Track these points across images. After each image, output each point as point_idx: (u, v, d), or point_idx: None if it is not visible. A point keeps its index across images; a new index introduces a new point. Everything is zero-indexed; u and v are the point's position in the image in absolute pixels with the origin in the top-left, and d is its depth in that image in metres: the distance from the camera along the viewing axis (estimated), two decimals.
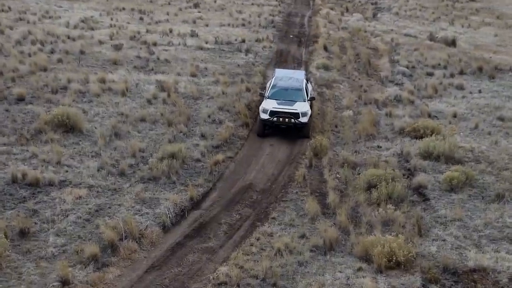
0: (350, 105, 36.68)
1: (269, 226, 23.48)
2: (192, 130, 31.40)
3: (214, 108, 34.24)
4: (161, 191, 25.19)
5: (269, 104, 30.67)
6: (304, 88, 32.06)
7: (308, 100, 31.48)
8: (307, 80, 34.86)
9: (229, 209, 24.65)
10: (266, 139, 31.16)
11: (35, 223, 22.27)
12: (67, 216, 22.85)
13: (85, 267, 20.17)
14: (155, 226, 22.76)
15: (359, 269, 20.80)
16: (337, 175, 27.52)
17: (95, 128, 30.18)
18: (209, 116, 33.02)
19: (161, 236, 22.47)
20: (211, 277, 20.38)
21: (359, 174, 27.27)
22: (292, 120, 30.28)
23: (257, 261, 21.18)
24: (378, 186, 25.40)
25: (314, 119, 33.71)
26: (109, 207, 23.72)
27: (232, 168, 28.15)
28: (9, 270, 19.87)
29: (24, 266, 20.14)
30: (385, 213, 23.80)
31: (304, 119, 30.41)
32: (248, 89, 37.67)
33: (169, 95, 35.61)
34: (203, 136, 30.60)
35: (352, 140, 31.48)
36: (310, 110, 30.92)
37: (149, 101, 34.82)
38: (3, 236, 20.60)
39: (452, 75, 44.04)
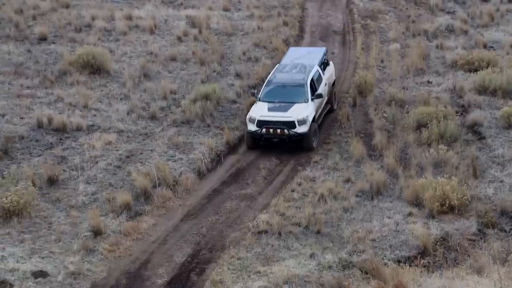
0: (397, 37, 36.19)
1: (311, 171, 23.56)
2: (226, 69, 31.37)
3: (249, 45, 34.10)
4: (195, 135, 25.36)
5: (257, 111, 24.66)
6: (309, 83, 25.45)
7: (312, 99, 25.11)
8: (325, 62, 27.94)
9: (268, 153, 24.75)
10: None
11: (64, 170, 22.68)
12: (97, 163, 23.20)
13: (118, 216, 20.55)
14: (189, 172, 23.01)
15: (409, 214, 20.84)
16: (384, 114, 27.36)
17: (123, 68, 30.34)
18: (244, 54, 32.91)
19: (196, 183, 22.73)
20: (250, 225, 20.62)
21: (407, 112, 27.07)
22: (286, 131, 24.23)
23: (299, 207, 21.34)
24: (428, 125, 25.21)
25: (356, 57, 33.32)
26: (141, 153, 24.00)
27: None
28: (38, 219, 20.36)
29: (54, 215, 20.60)
30: (436, 154, 23.68)
31: (302, 129, 24.24)
32: (285, 23, 37.36)
33: (200, 32, 35.51)
34: (238, 75, 30.57)
35: (400, 75, 31.15)
36: (313, 113, 24.81)
37: (179, 39, 34.79)
38: (31, 184, 21.05)
39: (510, 0, 42.98)
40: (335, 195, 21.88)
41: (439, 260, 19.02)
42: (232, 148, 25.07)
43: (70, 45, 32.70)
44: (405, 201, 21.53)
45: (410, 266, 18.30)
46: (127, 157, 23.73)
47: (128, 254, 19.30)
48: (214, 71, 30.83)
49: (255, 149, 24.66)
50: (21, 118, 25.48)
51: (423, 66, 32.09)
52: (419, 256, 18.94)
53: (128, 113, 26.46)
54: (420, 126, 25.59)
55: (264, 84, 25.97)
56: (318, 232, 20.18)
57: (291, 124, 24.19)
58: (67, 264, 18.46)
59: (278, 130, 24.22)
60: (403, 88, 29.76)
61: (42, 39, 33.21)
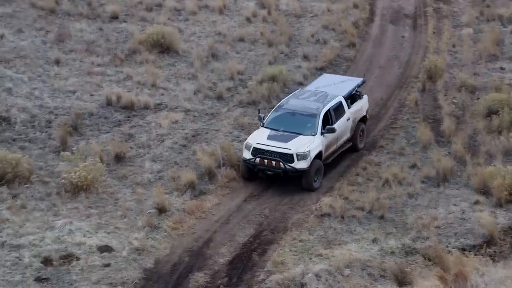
0: (470, 22, 35.45)
1: (376, 155, 23.43)
2: (294, 50, 31.30)
3: (318, 27, 33.88)
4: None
5: (256, 137, 21.90)
6: (323, 114, 22.32)
7: (322, 133, 22.00)
8: (357, 94, 24.45)
9: None
10: (376, 63, 30.69)
11: (131, 147, 23.10)
12: (163, 141, 23.55)
13: (182, 195, 20.85)
14: None
15: (476, 202, 20.55)
16: (454, 100, 26.95)
17: (191, 48, 30.58)
18: (312, 36, 32.75)
19: None
20: (313, 208, 20.68)
21: (478, 98, 26.62)
22: (282, 164, 21.41)
23: (363, 192, 21.28)
24: (500, 112, 24.74)
25: (427, 42, 32.84)
26: (206, 133, 24.25)
27: None
28: (105, 195, 20.82)
29: (120, 192, 21.03)
30: (507, 142, 23.25)
31: (301, 164, 21.29)
32: (355, 6, 36.97)
33: (269, 13, 35.46)
34: (305, 57, 30.47)
35: (472, 61, 30.55)
36: (318, 149, 21.76)
37: (248, 19, 34.80)
38: (99, 160, 21.51)
39: None
40: (400, 180, 21.73)
41: (505, 250, 18.74)
42: None
43: (140, 24, 33.08)
44: (472, 188, 21.23)
45: (475, 255, 18.08)
46: (193, 136, 24.00)
47: (191, 232, 19.59)
48: (282, 53, 30.80)
49: (251, 181, 21.87)
50: (91, 95, 26.01)
51: (496, 52, 31.38)
52: (484, 245, 18.70)
53: (195, 93, 26.72)
54: (490, 113, 25.14)
55: (273, 109, 23.18)
56: (382, 217, 20.09)
57: (288, 157, 21.28)
58: (132, 240, 18.86)
59: (273, 162, 21.34)
60: (475, 74, 29.21)
61: (114, 17, 33.68)
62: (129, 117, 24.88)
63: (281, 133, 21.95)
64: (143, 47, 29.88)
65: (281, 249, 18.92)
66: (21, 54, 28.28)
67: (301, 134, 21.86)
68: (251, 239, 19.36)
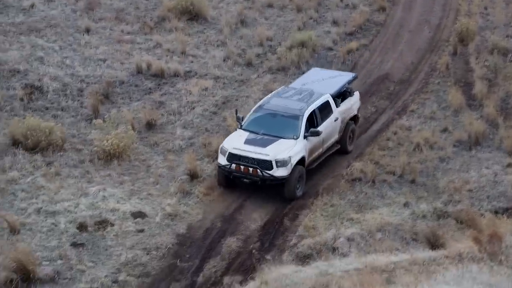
0: None
1: (407, 120, 23.34)
2: (323, 15, 31.11)
3: None
4: (291, 82, 25.35)
5: (232, 141, 19.84)
6: (307, 115, 20.16)
7: (306, 137, 19.87)
8: (348, 91, 22.25)
9: (364, 101, 24.54)
10: (406, 27, 30.40)
11: (162, 115, 23.25)
12: (194, 108, 23.67)
13: (213, 161, 20.97)
14: None
15: (509, 165, 20.44)
16: (485, 63, 26.67)
17: (220, 15, 30.53)
18: (341, 0, 32.50)
19: None
20: (344, 172, 20.71)
21: (510, 61, 26.31)
22: (259, 171, 19.35)
23: (394, 156, 21.26)
24: None
25: (458, 4, 32.39)
26: (236, 99, 24.31)
27: (366, 57, 27.85)
28: (137, 162, 21.04)
29: (152, 159, 21.24)
30: None
31: (281, 172, 19.30)
32: None
33: None
34: (335, 22, 30.28)
35: (504, 23, 30.13)
36: (300, 154, 19.67)
37: None
38: (130, 128, 21.69)
39: None
40: (431, 144, 21.66)
41: None
42: None
43: None
44: (504, 151, 21.11)
45: (508, 217, 18.03)
46: (223, 103, 24.09)
47: (223, 199, 19.74)
48: (311, 18, 30.62)
49: (229, 188, 19.94)
50: (121, 63, 26.14)
51: None
52: None
53: (224, 60, 26.73)
54: None
55: (253, 109, 20.96)
56: (413, 181, 20.08)
57: (266, 164, 19.26)
58: (164, 206, 19.08)
59: (250, 169, 19.30)
60: (507, 36, 28.82)
61: None
62: (159, 84, 25.01)
63: (260, 136, 19.84)
64: (172, 14, 29.88)
65: (312, 214, 19.03)
66: (52, 23, 28.45)
67: (282, 138, 19.74)
68: (282, 204, 19.47)
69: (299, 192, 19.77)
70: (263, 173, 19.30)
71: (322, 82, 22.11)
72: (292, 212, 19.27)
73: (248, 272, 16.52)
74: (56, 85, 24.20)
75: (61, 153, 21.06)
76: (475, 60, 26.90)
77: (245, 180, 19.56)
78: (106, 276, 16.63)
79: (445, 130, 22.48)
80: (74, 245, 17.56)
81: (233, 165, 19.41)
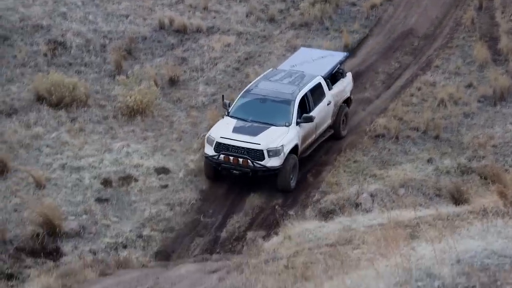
0: None
1: (431, 75, 23.11)
2: None
3: None
4: (313, 38, 25.22)
5: (219, 130, 18.30)
6: (299, 99, 18.71)
7: (298, 123, 18.43)
8: (340, 72, 20.73)
9: (388, 57, 24.39)
10: None
11: (184, 71, 23.21)
12: (216, 65, 23.59)
13: None
14: None
15: None
16: (511, 18, 26.24)
17: None
18: None
19: None
20: (367, 129, 20.61)
21: None
22: (249, 162, 17.85)
23: (418, 112, 21.11)
24: None
25: None
26: (259, 55, 24.17)
27: (390, 12, 27.48)
28: (160, 118, 21.08)
29: (175, 115, 21.27)
30: None
31: (273, 162, 17.84)
32: None
33: None
34: None
35: None
36: (293, 142, 18.23)
37: None
38: (153, 84, 21.68)
39: None
40: (455, 100, 21.47)
41: None
42: (350, 51, 24.80)
43: None
44: None
45: None
46: (246, 59, 23.97)
47: None
48: None
49: (216, 180, 18.53)
50: (144, 19, 26.01)
51: None
52: None
53: (247, 15, 26.52)
54: None
55: (240, 94, 19.35)
56: (437, 137, 19.96)
57: (257, 154, 17.79)
58: (188, 162, 19.14)
59: (240, 160, 17.79)
60: None
61: None
62: (182, 40, 24.90)
63: (249, 124, 18.33)
64: None
65: (335, 170, 19.00)
66: None
67: (273, 125, 18.25)
68: (305, 161, 19.44)
69: (292, 183, 18.26)
70: (254, 163, 17.72)
71: (312, 63, 20.47)
72: (315, 169, 19.26)
73: (271, 227, 16.60)
74: (79, 41, 24.17)
75: (85, 109, 21.13)
76: (500, 14, 26.45)
77: (234, 171, 17.95)
78: (130, 230, 16.81)
79: (469, 85, 22.25)
80: (99, 200, 17.72)
81: (221, 156, 17.86)
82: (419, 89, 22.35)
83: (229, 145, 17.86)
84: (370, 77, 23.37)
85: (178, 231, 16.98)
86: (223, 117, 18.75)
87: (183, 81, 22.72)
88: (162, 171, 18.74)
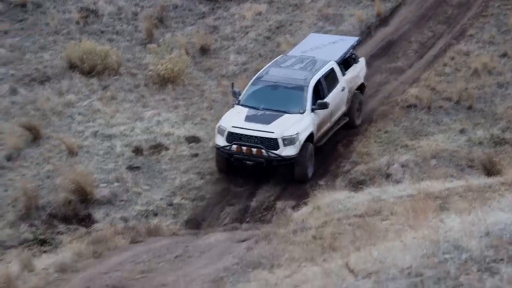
0: None
1: (465, 44, 22.81)
2: None
3: None
4: (345, 7, 24.98)
5: (230, 119, 17.63)
6: (313, 85, 18.02)
7: (313, 110, 17.74)
8: (352, 57, 20.02)
9: (420, 26, 24.11)
10: None
11: (215, 40, 23.18)
12: (247, 33, 23.52)
13: None
14: None
15: None
16: None
17: None
18: None
19: None
20: (399, 99, 20.48)
21: None
22: (263, 151, 17.15)
23: (451, 82, 20.90)
24: None
25: None
26: (290, 24, 24.03)
27: None
28: (191, 87, 21.14)
29: (206, 84, 21.31)
30: None
31: (288, 151, 17.17)
32: None
33: None
34: None
35: None
36: (309, 130, 17.55)
37: None
38: (184, 52, 21.71)
39: None
40: (489, 70, 21.20)
41: None
42: (383, 20, 24.57)
43: None
44: None
45: None
46: (277, 28, 23.86)
47: None
48: None
49: (229, 173, 17.87)
50: None
51: None
52: None
53: None
54: None
55: (251, 81, 18.62)
56: (470, 107, 19.78)
57: (271, 143, 17.09)
58: None
59: (254, 150, 17.09)
60: None
61: None
62: (213, 9, 24.82)
63: (261, 112, 17.64)
64: None
65: (366, 140, 18.94)
66: None
67: (286, 113, 17.58)
68: (336, 131, 19.38)
69: (310, 172, 17.64)
70: (269, 153, 17.04)
71: (323, 48, 19.72)
72: (346, 139, 19.21)
73: (301, 197, 16.62)
74: (111, 9, 24.23)
75: (117, 77, 21.25)
76: None
77: (248, 162, 17.31)
78: (161, 199, 16.98)
79: (504, 55, 21.94)
80: (130, 168, 17.88)
81: (234, 146, 17.15)
82: (452, 58, 22.09)
83: (241, 134, 17.16)
84: (403, 46, 23.15)
85: (208, 200, 17.11)
86: (233, 106, 18.04)
87: (214, 50, 22.71)
88: (193, 140, 18.83)
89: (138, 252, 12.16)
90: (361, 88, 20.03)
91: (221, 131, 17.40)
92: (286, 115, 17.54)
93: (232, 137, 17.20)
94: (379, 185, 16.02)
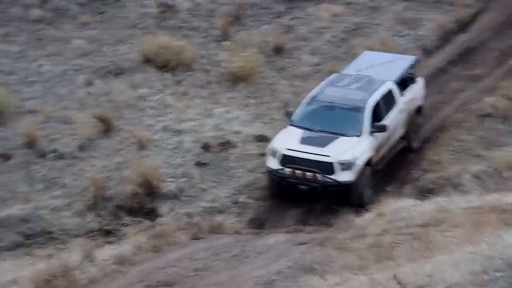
0: None
1: None
2: None
3: None
4: (425, 11, 24.64)
5: (284, 141, 17.01)
6: (371, 107, 17.34)
7: (371, 133, 17.06)
8: (410, 77, 19.09)
9: (502, 33, 23.60)
10: None
11: (290, 40, 23.18)
12: (322, 34, 23.45)
13: None
14: (415, 49, 22.59)
15: None
16: None
17: None
18: None
19: (422, 61, 22.24)
20: (474, 107, 20.11)
21: None
22: (318, 176, 16.49)
23: None
24: None
25: None
26: (367, 27, 23.85)
27: None
28: (263, 86, 21.22)
29: (278, 83, 21.36)
30: None
31: (345, 176, 16.46)
32: None
33: None
34: None
35: None
36: (367, 154, 16.86)
37: None
38: (258, 51, 21.79)
39: None
40: None
41: None
42: (462, 26, 24.14)
43: None
44: None
45: None
46: (353, 30, 23.71)
47: None
48: None
49: (282, 198, 17.14)
50: None
51: None
52: None
53: None
54: None
55: (305, 101, 17.91)
56: None
57: (326, 167, 16.39)
58: None
59: (308, 174, 16.43)
60: None
61: None
62: (289, 8, 24.82)
63: (317, 134, 16.94)
64: None
65: (437, 148, 18.67)
66: None
67: (342, 135, 16.87)
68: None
69: (366, 199, 16.73)
70: (324, 178, 16.35)
71: (379, 67, 18.80)
72: (417, 145, 18.98)
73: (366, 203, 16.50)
74: (188, 5, 24.52)
75: (190, 73, 21.50)
76: None
77: (301, 187, 16.58)
78: (226, 196, 17.12)
79: None
80: (198, 164, 18.07)
81: (287, 170, 16.52)
82: None
83: (295, 157, 16.48)
84: (482, 53, 22.72)
85: (273, 200, 17.12)
86: (286, 127, 17.45)
87: (288, 50, 22.73)
88: (261, 139, 18.87)
89: (197, 249, 12.32)
90: (419, 110, 19.16)
91: (273, 153, 16.76)
92: (343, 137, 16.84)
93: (285, 160, 16.55)
94: (448, 194, 15.78)
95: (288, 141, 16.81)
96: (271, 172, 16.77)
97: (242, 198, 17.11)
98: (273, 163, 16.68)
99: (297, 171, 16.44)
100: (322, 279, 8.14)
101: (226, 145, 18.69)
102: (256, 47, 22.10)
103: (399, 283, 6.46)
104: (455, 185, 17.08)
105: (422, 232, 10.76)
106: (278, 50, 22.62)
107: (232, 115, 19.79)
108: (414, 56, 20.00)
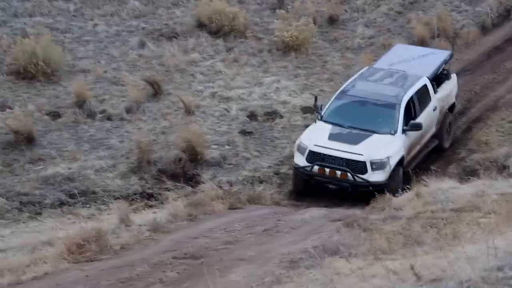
0: None
1: None
2: None
3: None
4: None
5: (312, 136, 16.12)
6: (405, 104, 16.42)
7: (404, 131, 16.16)
8: (444, 73, 18.25)
9: None
10: None
11: (345, 10, 23.03)
12: (379, 6, 23.24)
13: None
14: (472, 25, 22.25)
15: None
16: None
17: None
18: None
19: (478, 38, 21.97)
20: None
21: None
22: (349, 175, 15.60)
23: None
24: None
25: None
26: (425, 0, 23.49)
27: None
28: (314, 57, 21.20)
29: (329, 55, 21.30)
30: None
31: (377, 176, 15.62)
32: None
33: None
34: None
35: None
36: (400, 153, 16.02)
37: None
38: (312, 21, 21.72)
39: None
40: None
41: None
42: None
43: None
44: None
45: None
46: (410, 3, 23.41)
47: None
48: None
49: (308, 196, 16.21)
50: None
51: None
52: None
53: None
54: None
55: (335, 95, 17.13)
56: None
57: (358, 166, 15.55)
58: None
59: (338, 172, 15.59)
60: None
61: None
62: None
63: (347, 130, 16.10)
64: None
65: (486, 129, 18.41)
66: None
67: (375, 132, 16.01)
68: (457, 115, 18.94)
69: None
70: (355, 177, 15.49)
71: (412, 62, 17.97)
72: (465, 124, 18.76)
73: (406, 181, 16.39)
74: None
75: (242, 40, 21.60)
76: None
77: (330, 186, 15.77)
78: (269, 166, 17.22)
79: None
80: (243, 132, 18.24)
81: (315, 167, 15.69)
82: None
83: (324, 154, 15.62)
84: None
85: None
86: (315, 122, 16.59)
87: (342, 21, 22.61)
88: (308, 110, 18.85)
89: (232, 220, 12.45)
90: (451, 108, 18.42)
91: (301, 149, 15.91)
92: (375, 135, 15.98)
93: (313, 157, 15.70)
94: (492, 177, 15.57)
95: (317, 136, 16.00)
96: (298, 169, 15.94)
97: (284, 169, 17.17)
98: (300, 160, 15.87)
99: (326, 169, 15.63)
100: (346, 261, 8.21)
101: (272, 115, 18.77)
102: (310, 16, 22.01)
103: (415, 274, 6.49)
104: (501, 167, 16.83)
105: (454, 217, 10.69)
106: (333, 21, 22.52)
107: (281, 84, 19.84)
108: (449, 51, 19.04)
